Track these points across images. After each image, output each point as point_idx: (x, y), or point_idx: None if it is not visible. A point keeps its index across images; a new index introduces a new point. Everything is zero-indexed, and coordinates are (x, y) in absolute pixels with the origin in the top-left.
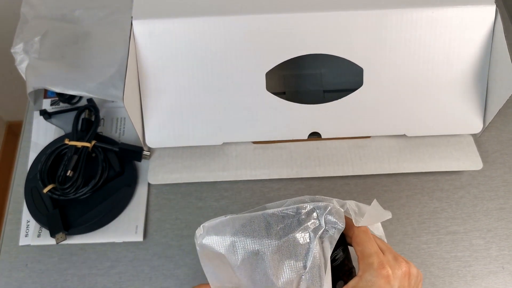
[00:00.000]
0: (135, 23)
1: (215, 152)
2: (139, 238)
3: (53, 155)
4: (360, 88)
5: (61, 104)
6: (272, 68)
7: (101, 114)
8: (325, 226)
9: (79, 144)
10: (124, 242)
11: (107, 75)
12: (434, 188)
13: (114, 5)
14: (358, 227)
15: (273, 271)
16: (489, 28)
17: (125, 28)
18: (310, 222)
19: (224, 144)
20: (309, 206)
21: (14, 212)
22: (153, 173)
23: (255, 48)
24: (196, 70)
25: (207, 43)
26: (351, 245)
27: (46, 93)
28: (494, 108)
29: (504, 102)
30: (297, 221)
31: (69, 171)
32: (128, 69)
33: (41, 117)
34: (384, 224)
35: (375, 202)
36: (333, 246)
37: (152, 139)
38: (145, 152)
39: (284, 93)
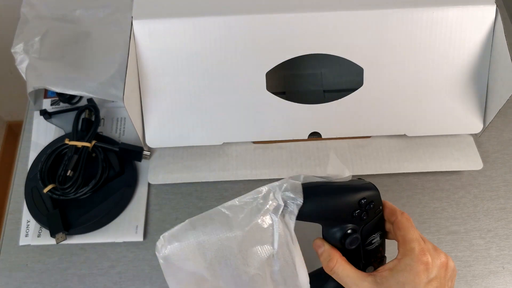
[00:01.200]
0: (135, 23)
1: (215, 152)
2: (139, 238)
3: (53, 155)
4: (360, 88)
5: (61, 104)
6: (272, 68)
7: (101, 114)
8: (284, 203)
9: (79, 144)
10: (124, 242)
11: (107, 75)
12: (434, 188)
13: (114, 5)
14: (402, 214)
15: (243, 261)
16: (489, 28)
17: (125, 28)
18: (269, 203)
19: (224, 144)
20: (264, 189)
21: (14, 212)
22: (153, 173)
23: (255, 48)
24: (196, 70)
25: (207, 43)
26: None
27: (46, 93)
28: (494, 108)
29: (505, 102)
30: (256, 206)
31: (69, 171)
32: (128, 69)
33: (41, 117)
34: None
35: (332, 155)
36: (294, 220)
37: (152, 139)
38: (145, 152)
39: (284, 93)
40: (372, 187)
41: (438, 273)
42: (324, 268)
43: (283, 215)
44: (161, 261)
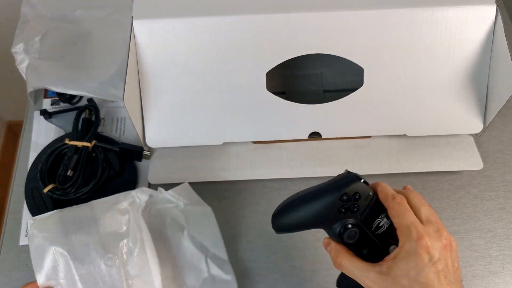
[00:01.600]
0: (135, 23)
1: (215, 152)
2: None
3: (54, 154)
4: (360, 88)
5: (62, 104)
6: (273, 68)
7: (101, 114)
8: (140, 200)
9: (79, 144)
10: None
11: (107, 75)
12: (434, 188)
13: (114, 5)
14: (394, 199)
15: (101, 246)
16: (489, 28)
17: (125, 28)
18: (128, 200)
19: (224, 144)
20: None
21: (14, 212)
22: (153, 173)
23: (255, 48)
24: (196, 70)
25: (207, 43)
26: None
27: (47, 93)
28: (495, 108)
29: (505, 102)
30: (118, 200)
31: (69, 171)
32: (128, 69)
33: (42, 117)
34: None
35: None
36: (146, 217)
37: (152, 139)
38: (145, 152)
39: (284, 93)
40: (351, 180)
41: (441, 255)
42: (334, 265)
43: (141, 211)
44: (29, 241)
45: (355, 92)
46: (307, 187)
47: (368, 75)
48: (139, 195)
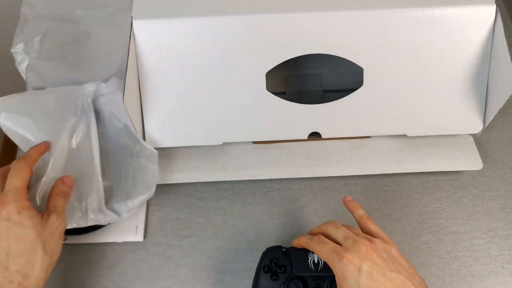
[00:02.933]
0: (135, 23)
1: (215, 152)
2: (139, 238)
3: None
4: (360, 88)
5: None
6: (272, 68)
7: None
8: (88, 91)
9: None
10: (124, 242)
11: (107, 75)
12: (434, 188)
13: (114, 5)
14: (312, 240)
15: (56, 124)
16: (489, 28)
17: (125, 28)
18: (79, 90)
19: (224, 144)
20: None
21: None
22: None
23: (255, 48)
24: (196, 70)
25: (207, 43)
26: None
27: None
28: (494, 108)
29: (504, 102)
30: (68, 89)
31: None
32: (128, 69)
33: None
34: (384, 225)
35: None
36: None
37: (152, 139)
38: None
39: (284, 93)
40: (264, 254)
41: (364, 259)
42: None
43: (90, 100)
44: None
45: (355, 92)
46: (307, 187)
47: (368, 75)
48: (88, 87)
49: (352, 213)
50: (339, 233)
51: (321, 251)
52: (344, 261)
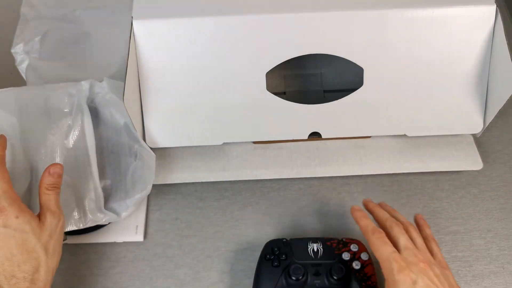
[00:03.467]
0: (135, 23)
1: (215, 152)
2: (139, 238)
3: None
4: (360, 88)
5: None
6: (272, 68)
7: None
8: (86, 89)
9: None
10: (124, 242)
11: (107, 75)
12: (434, 188)
13: (114, 5)
14: (373, 233)
15: (47, 117)
16: (489, 28)
17: (125, 28)
18: (77, 87)
19: (224, 144)
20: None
21: None
22: None
23: (255, 48)
24: (196, 70)
25: (207, 43)
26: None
27: None
28: (494, 108)
29: (504, 102)
30: (66, 85)
31: None
32: (128, 69)
33: None
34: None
35: None
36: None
37: (152, 139)
38: None
39: (284, 93)
40: (266, 245)
41: (421, 275)
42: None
43: (86, 97)
44: None
45: (355, 92)
46: (307, 187)
47: (368, 75)
48: (85, 85)
49: (420, 231)
50: (401, 239)
51: (379, 250)
52: (402, 274)
